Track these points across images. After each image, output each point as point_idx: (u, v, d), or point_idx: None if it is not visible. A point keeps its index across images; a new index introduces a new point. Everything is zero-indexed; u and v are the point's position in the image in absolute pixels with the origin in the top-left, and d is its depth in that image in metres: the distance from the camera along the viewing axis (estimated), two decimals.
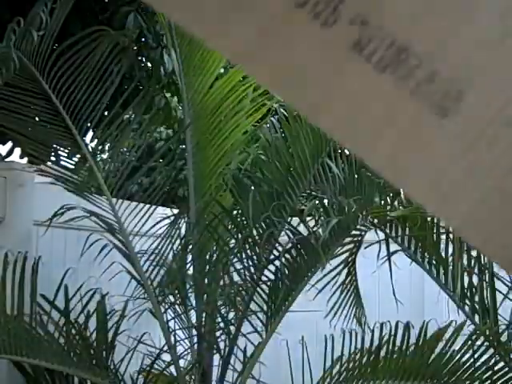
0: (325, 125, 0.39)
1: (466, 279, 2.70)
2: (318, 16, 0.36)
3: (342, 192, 2.73)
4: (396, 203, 2.66)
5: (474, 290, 2.68)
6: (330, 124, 0.38)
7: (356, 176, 2.76)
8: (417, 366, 2.68)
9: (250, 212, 2.80)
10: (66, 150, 3.11)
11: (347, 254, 2.99)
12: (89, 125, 3.05)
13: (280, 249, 2.96)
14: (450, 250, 2.72)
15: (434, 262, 2.76)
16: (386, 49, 0.37)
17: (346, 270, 3.07)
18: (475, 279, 2.70)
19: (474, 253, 2.66)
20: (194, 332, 3.15)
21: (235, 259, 3.02)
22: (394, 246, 2.82)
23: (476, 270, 2.68)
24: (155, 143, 6.70)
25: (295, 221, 2.95)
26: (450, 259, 2.71)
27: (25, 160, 3.63)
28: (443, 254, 2.74)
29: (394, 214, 2.45)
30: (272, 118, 3.08)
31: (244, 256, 2.98)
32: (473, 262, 2.67)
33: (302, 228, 2.92)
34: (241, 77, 3.22)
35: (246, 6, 0.36)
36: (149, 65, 4.17)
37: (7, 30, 2.61)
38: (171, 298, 3.17)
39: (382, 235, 2.83)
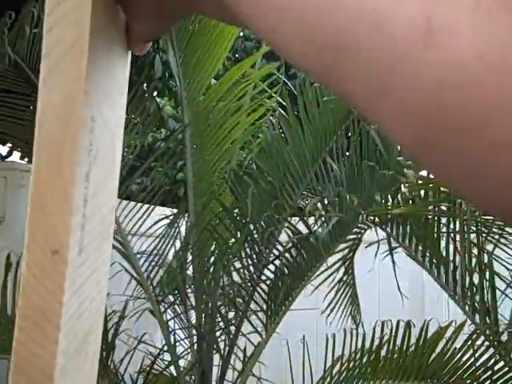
0: None
1: (467, 278, 2.70)
2: None
3: (342, 190, 2.73)
4: (397, 201, 2.66)
5: (474, 289, 2.68)
6: None
7: (356, 174, 2.76)
8: (417, 366, 2.68)
9: (249, 209, 2.80)
10: None
11: (346, 251, 3.00)
12: None
13: (280, 248, 2.96)
14: (451, 249, 2.72)
15: (434, 261, 2.76)
16: None
17: (344, 268, 3.07)
18: (476, 278, 2.70)
19: (475, 251, 2.66)
20: (194, 332, 3.15)
21: (235, 259, 3.02)
22: (394, 245, 2.82)
23: (476, 269, 2.68)
24: (155, 143, 6.71)
25: (295, 220, 2.95)
26: (451, 258, 2.71)
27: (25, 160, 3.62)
28: (444, 253, 2.74)
29: (396, 211, 2.45)
30: (271, 118, 3.08)
31: (244, 255, 2.98)
32: (473, 260, 2.68)
33: (301, 227, 2.92)
34: (240, 75, 3.22)
35: None
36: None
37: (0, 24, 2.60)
38: (171, 297, 3.17)
39: (380, 234, 2.83)
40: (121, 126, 0.47)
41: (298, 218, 2.93)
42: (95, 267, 0.43)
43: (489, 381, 2.58)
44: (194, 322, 3.19)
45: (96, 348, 0.50)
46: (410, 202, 2.69)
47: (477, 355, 2.58)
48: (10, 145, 4.08)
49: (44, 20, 0.35)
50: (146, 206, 3.19)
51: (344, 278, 3.10)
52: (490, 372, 2.57)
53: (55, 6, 0.35)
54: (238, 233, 3.00)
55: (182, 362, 3.22)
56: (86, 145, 0.36)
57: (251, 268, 2.98)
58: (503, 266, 2.64)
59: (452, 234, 2.69)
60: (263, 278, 3.00)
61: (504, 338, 2.61)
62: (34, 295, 0.35)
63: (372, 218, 2.71)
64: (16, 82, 2.93)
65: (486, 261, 2.65)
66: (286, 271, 2.94)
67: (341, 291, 3.13)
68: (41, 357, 0.36)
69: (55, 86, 0.35)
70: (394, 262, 2.73)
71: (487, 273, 2.65)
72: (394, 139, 0.30)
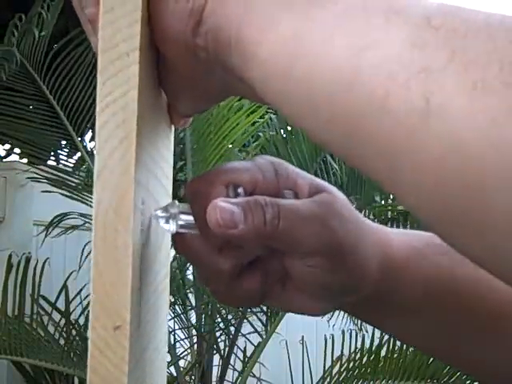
0: None
1: None
2: None
3: (342, 190, 2.72)
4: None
5: None
6: None
7: (356, 174, 2.76)
8: (417, 366, 2.68)
9: None
10: (64, 152, 3.10)
11: None
12: (87, 125, 3.05)
13: None
14: None
15: None
16: None
17: None
18: None
19: None
20: (194, 332, 3.15)
21: None
22: None
23: None
24: None
25: None
26: None
27: (24, 160, 3.62)
28: None
29: (402, 207, 2.45)
30: (272, 115, 3.08)
31: None
32: None
33: None
34: None
35: None
36: None
37: (8, 27, 2.61)
38: (171, 297, 3.17)
39: None
40: (167, 195, 0.52)
41: None
42: (153, 333, 0.48)
43: None
44: (193, 322, 3.19)
45: None
46: None
47: None
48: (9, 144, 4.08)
49: (96, 119, 0.39)
50: None
51: None
52: None
53: (103, 108, 0.39)
54: None
55: (181, 363, 3.22)
56: (138, 227, 0.40)
57: None
58: None
59: None
60: None
61: None
62: (100, 368, 0.39)
63: (372, 217, 2.72)
64: (17, 80, 2.92)
65: None
66: None
67: None
68: None
69: (107, 180, 0.39)
70: None
71: None
72: (404, 206, 0.33)
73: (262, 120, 3.26)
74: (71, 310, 2.98)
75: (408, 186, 0.31)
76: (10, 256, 2.78)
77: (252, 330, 3.03)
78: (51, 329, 2.96)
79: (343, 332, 2.91)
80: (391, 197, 2.74)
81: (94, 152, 0.39)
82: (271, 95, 0.37)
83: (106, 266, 0.39)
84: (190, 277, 3.21)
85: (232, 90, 0.46)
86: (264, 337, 2.98)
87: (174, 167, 3.28)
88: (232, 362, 3.08)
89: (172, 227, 0.46)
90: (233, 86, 0.44)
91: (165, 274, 0.53)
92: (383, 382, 2.73)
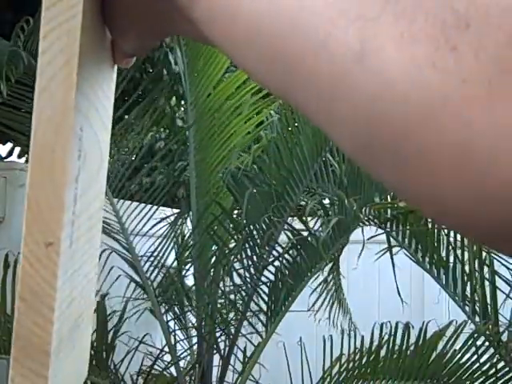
0: None
1: (465, 277, 2.70)
2: None
3: (342, 191, 2.73)
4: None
5: (474, 288, 2.68)
6: None
7: (356, 175, 2.76)
8: (417, 366, 2.68)
9: (245, 210, 2.80)
10: None
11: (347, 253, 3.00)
12: None
13: (280, 249, 2.96)
14: (451, 251, 2.72)
15: (434, 261, 2.76)
16: None
17: (340, 268, 3.07)
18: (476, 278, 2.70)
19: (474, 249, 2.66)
20: (194, 332, 3.15)
21: (235, 260, 3.01)
22: (394, 245, 2.81)
23: (476, 267, 2.68)
24: (155, 143, 6.73)
25: (295, 220, 2.95)
26: (451, 258, 2.71)
27: (24, 160, 3.62)
28: (444, 253, 2.74)
29: (403, 204, 2.45)
30: (272, 112, 3.08)
31: (244, 256, 2.98)
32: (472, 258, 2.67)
33: (300, 225, 2.92)
34: (243, 79, 3.22)
35: None
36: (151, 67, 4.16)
37: (15, 28, 2.61)
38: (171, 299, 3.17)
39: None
40: (106, 131, 0.54)
41: (297, 219, 2.93)
42: (85, 259, 0.49)
43: (489, 381, 2.58)
44: (194, 322, 3.19)
45: (87, 333, 0.56)
46: None
47: (476, 356, 2.58)
48: (10, 144, 4.07)
49: (40, 43, 0.40)
50: (149, 206, 3.19)
51: (340, 279, 3.10)
52: (490, 372, 2.57)
53: (49, 31, 0.40)
54: (239, 234, 3.00)
55: (181, 363, 3.22)
56: (75, 152, 0.42)
57: (251, 269, 2.98)
58: (504, 265, 2.64)
59: (452, 234, 2.69)
60: (263, 279, 3.00)
61: (504, 338, 2.61)
62: (30, 281, 0.40)
63: (372, 217, 2.71)
64: (21, 75, 2.91)
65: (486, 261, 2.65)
66: (286, 272, 2.94)
67: (333, 291, 3.12)
68: (38, 335, 0.41)
69: (47, 103, 0.40)
70: (393, 262, 2.73)
71: (487, 271, 2.65)
72: (339, 147, 0.35)
73: (266, 122, 3.26)
74: None
75: (343, 123, 0.33)
76: (7, 255, 2.78)
77: (252, 330, 3.03)
78: None
79: (342, 332, 2.91)
80: (391, 196, 2.74)
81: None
82: (217, 36, 0.37)
83: (42, 185, 0.40)
84: (190, 277, 3.21)
85: (177, 29, 0.47)
86: (264, 337, 2.98)
87: (175, 168, 3.28)
88: (232, 362, 3.08)
89: None
90: (179, 25, 0.45)
91: (99, 207, 0.55)
92: (383, 381, 2.73)
